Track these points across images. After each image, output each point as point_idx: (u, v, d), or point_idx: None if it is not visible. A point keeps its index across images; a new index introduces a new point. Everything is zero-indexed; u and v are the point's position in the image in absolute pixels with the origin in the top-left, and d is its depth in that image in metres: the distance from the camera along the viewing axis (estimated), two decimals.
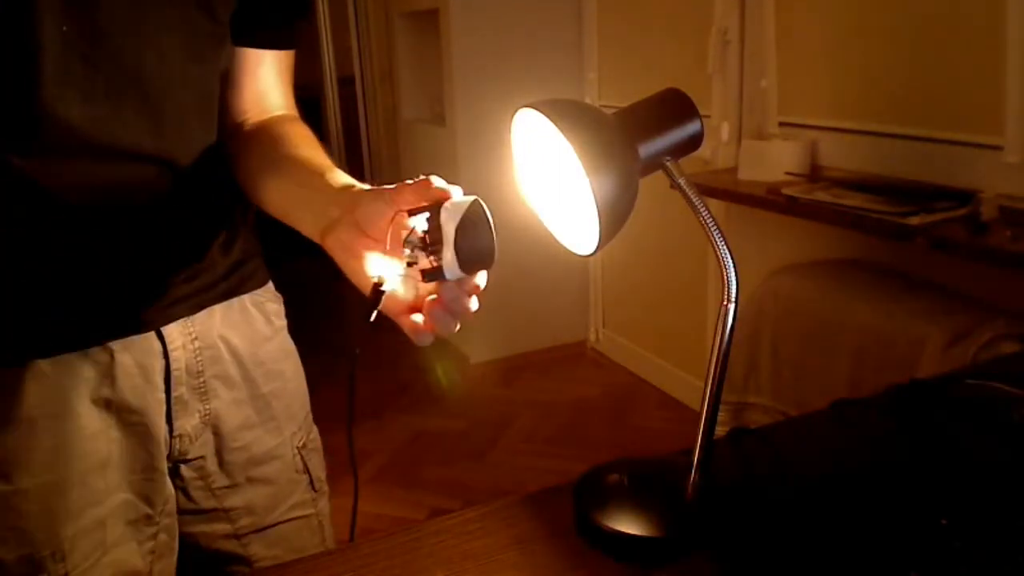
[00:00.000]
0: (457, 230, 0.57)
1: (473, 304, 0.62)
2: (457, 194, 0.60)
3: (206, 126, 0.81)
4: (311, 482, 0.96)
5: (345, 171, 0.74)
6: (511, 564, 0.67)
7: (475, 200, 0.58)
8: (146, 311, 0.80)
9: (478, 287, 0.62)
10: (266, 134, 0.83)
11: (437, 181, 0.60)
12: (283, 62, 0.88)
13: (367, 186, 0.68)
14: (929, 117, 1.89)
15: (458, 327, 0.63)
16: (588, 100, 3.10)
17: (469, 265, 0.59)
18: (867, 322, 1.77)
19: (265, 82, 0.86)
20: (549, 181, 0.68)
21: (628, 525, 0.66)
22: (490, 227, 0.58)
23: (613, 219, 0.62)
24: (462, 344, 3.34)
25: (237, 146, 0.84)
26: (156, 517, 0.84)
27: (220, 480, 0.89)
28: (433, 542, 0.70)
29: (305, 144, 0.80)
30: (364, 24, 4.17)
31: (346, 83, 4.47)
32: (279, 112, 0.88)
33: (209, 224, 0.84)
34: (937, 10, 1.84)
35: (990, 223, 1.57)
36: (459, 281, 0.60)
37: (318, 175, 0.72)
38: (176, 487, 0.87)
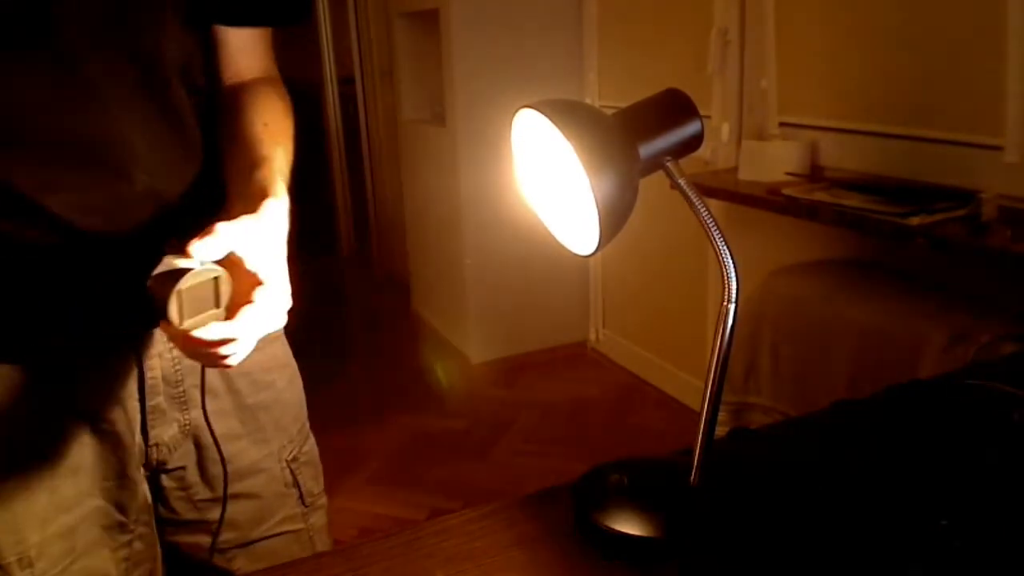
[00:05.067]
0: (152, 279, 0.61)
1: (201, 351, 0.63)
2: (204, 255, 0.61)
3: (160, 111, 0.75)
4: (301, 497, 0.94)
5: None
6: (511, 564, 0.66)
7: (186, 270, 0.61)
8: (119, 320, 0.78)
9: (192, 339, 0.62)
10: (231, 104, 0.81)
11: (195, 247, 0.61)
12: (254, 33, 0.84)
13: (264, 206, 0.67)
14: (929, 117, 1.89)
15: (209, 366, 0.67)
16: (588, 100, 3.10)
17: (153, 302, 0.61)
18: (867, 322, 1.77)
19: (237, 56, 0.83)
20: (549, 181, 0.68)
21: (628, 525, 0.66)
22: (169, 294, 0.60)
23: (613, 219, 0.62)
24: (462, 344, 3.34)
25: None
26: (130, 525, 0.83)
27: (202, 492, 0.87)
28: (433, 542, 0.70)
29: (258, 120, 0.78)
30: (364, 24, 4.17)
31: (346, 83, 4.47)
32: (256, 75, 0.84)
33: (188, 228, 0.82)
34: (937, 10, 1.84)
35: (990, 223, 1.57)
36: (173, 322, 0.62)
37: (246, 171, 0.72)
38: (156, 497, 0.85)
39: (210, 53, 0.82)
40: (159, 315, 0.61)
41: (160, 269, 0.62)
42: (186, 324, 0.61)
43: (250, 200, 0.68)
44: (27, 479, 0.76)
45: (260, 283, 0.64)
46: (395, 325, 3.85)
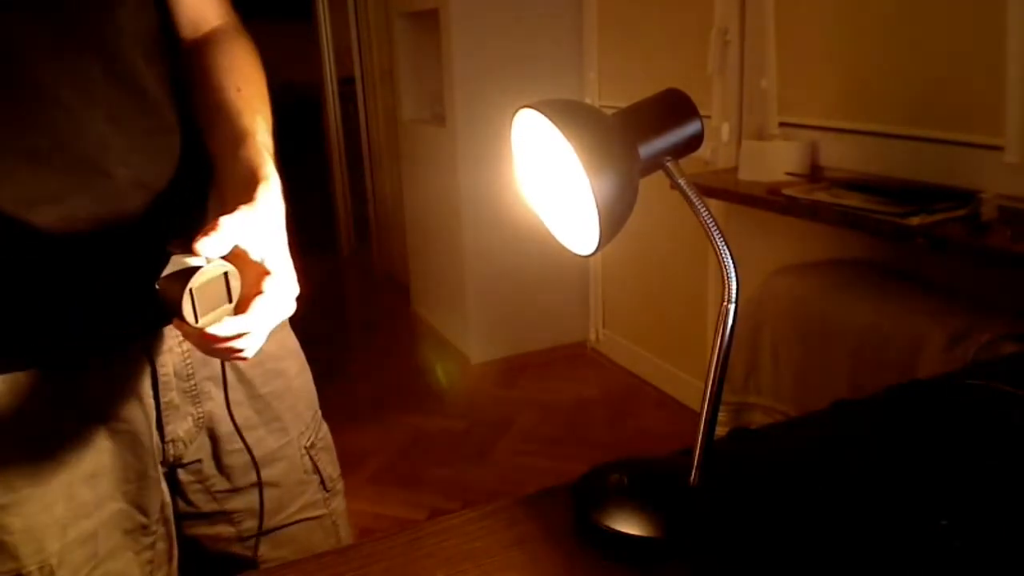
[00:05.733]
0: (162, 279, 0.61)
1: (215, 347, 0.63)
2: (214, 251, 0.62)
3: (126, 97, 0.73)
4: (322, 482, 0.94)
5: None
6: (511, 564, 0.66)
7: (195, 268, 0.61)
8: (126, 319, 0.77)
9: (208, 336, 0.62)
10: (198, 68, 0.78)
11: (201, 245, 0.60)
12: None
13: (259, 192, 0.66)
14: (929, 117, 1.89)
15: (224, 360, 0.67)
16: (588, 100, 3.10)
17: (165, 308, 0.62)
18: (867, 322, 1.77)
19: (195, 4, 0.81)
20: (549, 181, 0.68)
21: (628, 525, 0.66)
22: (181, 293, 0.60)
23: (613, 219, 0.62)
24: (462, 344, 3.34)
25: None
26: (152, 526, 0.82)
27: (220, 483, 0.87)
28: (433, 542, 0.70)
29: (230, 86, 0.76)
30: (364, 24, 4.17)
31: (346, 83, 4.47)
32: (213, 24, 0.82)
33: (181, 215, 0.78)
34: (937, 10, 1.84)
35: (990, 223, 1.57)
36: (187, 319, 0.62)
37: (230, 150, 0.71)
38: (174, 491, 0.85)
39: (168, 16, 0.79)
40: (173, 315, 0.61)
41: (168, 269, 0.62)
42: (201, 322, 0.62)
43: (240, 185, 0.67)
44: (44, 486, 0.75)
45: (267, 273, 0.64)
46: (395, 325, 3.85)
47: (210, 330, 0.62)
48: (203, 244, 0.60)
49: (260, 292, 0.63)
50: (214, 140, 0.75)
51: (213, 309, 0.62)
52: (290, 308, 0.66)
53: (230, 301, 0.64)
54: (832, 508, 0.71)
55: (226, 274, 0.63)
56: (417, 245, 3.77)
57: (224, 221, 0.61)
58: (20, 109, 0.67)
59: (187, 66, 0.80)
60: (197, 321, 0.61)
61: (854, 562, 0.64)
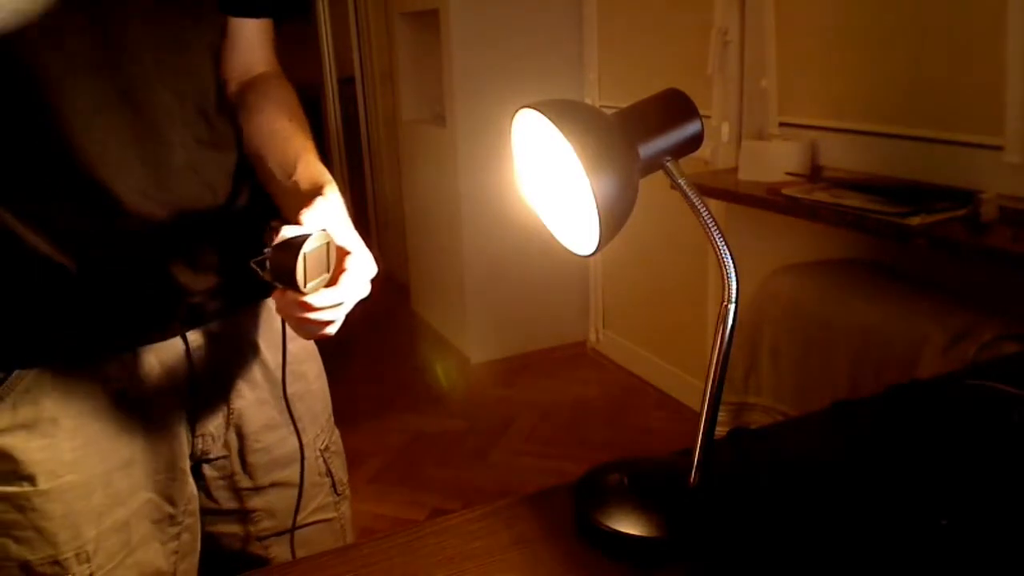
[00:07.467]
0: (274, 247, 0.65)
1: (310, 316, 0.67)
2: (312, 225, 0.66)
3: (189, 86, 0.79)
4: (333, 485, 0.96)
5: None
6: (511, 564, 0.67)
7: (306, 235, 0.64)
8: (171, 317, 0.80)
9: (306, 304, 0.66)
10: (253, 101, 0.85)
11: (307, 216, 0.66)
12: (264, 26, 0.89)
13: (327, 190, 0.72)
14: (929, 117, 1.89)
15: (309, 336, 0.71)
16: (588, 100, 3.10)
17: (275, 275, 0.65)
18: (867, 322, 1.76)
19: (249, 48, 0.87)
20: (549, 181, 0.68)
21: (628, 525, 0.66)
22: (295, 257, 0.63)
23: (613, 219, 0.62)
24: (462, 344, 3.34)
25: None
26: (179, 516, 0.84)
27: (243, 481, 0.89)
28: (433, 542, 0.70)
29: (282, 116, 0.83)
30: (364, 24, 4.17)
31: (346, 83, 4.47)
32: (262, 70, 0.88)
33: (235, 232, 0.83)
34: (937, 10, 1.84)
35: (990, 223, 1.57)
36: (292, 292, 0.65)
37: (290, 173, 0.77)
38: (198, 487, 0.87)
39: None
40: (282, 282, 0.64)
41: (277, 239, 0.65)
42: (308, 287, 0.64)
43: (306, 189, 0.72)
44: (85, 473, 0.77)
45: (348, 253, 0.68)
46: (395, 325, 3.85)
47: (309, 298, 0.65)
48: (307, 214, 0.65)
49: (344, 270, 0.67)
50: (270, 157, 0.80)
51: (316, 276, 0.66)
52: (367, 288, 0.70)
53: (328, 271, 0.67)
54: (832, 508, 0.71)
55: (328, 244, 0.66)
56: (417, 245, 3.77)
57: (319, 200, 0.67)
58: (101, 58, 0.71)
59: (238, 100, 0.85)
60: (305, 285, 0.64)
61: (854, 562, 0.64)
